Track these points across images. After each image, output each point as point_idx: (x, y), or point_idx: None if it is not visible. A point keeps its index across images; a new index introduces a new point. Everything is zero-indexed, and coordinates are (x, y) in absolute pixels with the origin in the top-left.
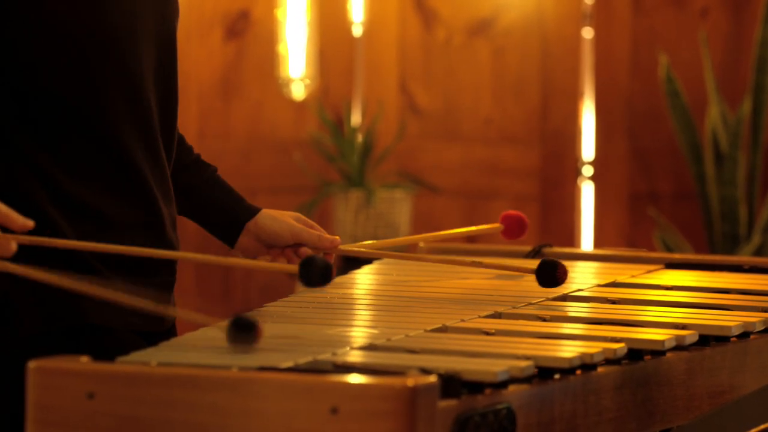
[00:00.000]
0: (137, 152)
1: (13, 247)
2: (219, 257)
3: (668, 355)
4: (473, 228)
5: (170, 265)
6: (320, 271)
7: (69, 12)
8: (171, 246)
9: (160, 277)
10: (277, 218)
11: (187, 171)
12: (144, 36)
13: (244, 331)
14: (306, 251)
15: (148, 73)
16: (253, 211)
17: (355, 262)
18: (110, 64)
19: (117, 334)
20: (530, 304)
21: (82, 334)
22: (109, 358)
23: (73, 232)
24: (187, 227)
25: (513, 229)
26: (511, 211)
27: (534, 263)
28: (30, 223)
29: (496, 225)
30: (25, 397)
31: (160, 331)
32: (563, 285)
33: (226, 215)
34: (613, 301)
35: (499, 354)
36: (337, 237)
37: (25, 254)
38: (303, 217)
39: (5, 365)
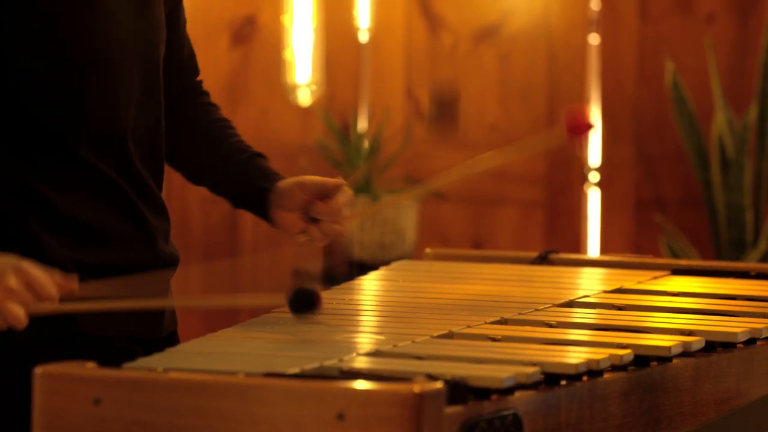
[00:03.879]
0: (115, 174)
1: (55, 294)
2: (201, 299)
3: (675, 361)
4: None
5: (162, 275)
6: (306, 300)
7: (52, 37)
8: (165, 258)
9: (153, 286)
10: (289, 179)
11: (224, 160)
12: (128, 62)
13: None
14: (316, 209)
15: (131, 98)
16: (274, 181)
17: (362, 268)
18: (92, 89)
19: (110, 342)
20: (537, 310)
21: (74, 342)
22: (109, 364)
23: (58, 244)
24: (191, 232)
25: (576, 127)
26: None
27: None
28: (74, 284)
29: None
30: (19, 405)
31: (158, 337)
32: None
33: (253, 194)
34: (620, 308)
35: (505, 360)
36: (341, 179)
37: None
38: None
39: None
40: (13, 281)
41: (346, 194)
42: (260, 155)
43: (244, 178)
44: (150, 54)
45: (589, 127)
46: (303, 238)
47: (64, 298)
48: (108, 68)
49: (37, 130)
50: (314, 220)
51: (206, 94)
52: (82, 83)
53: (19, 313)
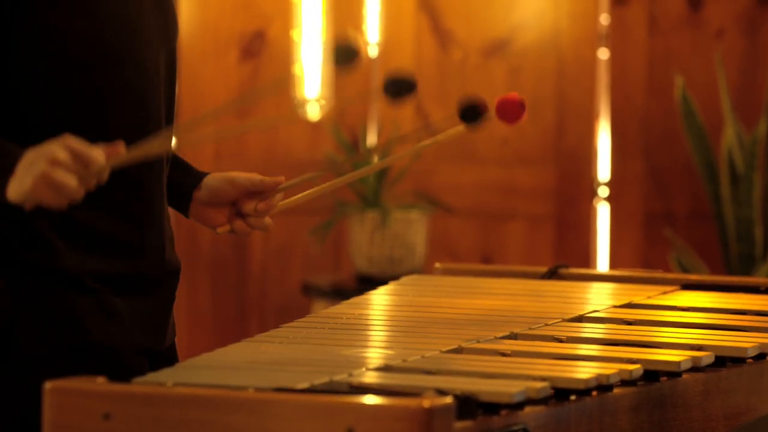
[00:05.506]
0: (146, 173)
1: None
2: None
3: (684, 376)
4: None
5: (169, 283)
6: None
7: (74, 31)
8: (172, 266)
9: (158, 295)
10: (217, 175)
11: None
12: (149, 54)
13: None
14: (248, 206)
15: (155, 91)
16: (199, 177)
17: (371, 282)
18: (116, 84)
19: (119, 353)
20: (546, 325)
21: (84, 353)
22: (111, 376)
23: (71, 254)
24: (199, 244)
25: (508, 112)
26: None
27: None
28: (118, 147)
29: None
30: (29, 415)
31: (160, 349)
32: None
33: (178, 189)
34: (629, 323)
35: (515, 375)
36: (282, 177)
37: (21, 272)
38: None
39: (10, 384)
40: (60, 153)
41: (280, 192)
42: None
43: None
44: (167, 47)
45: (518, 109)
46: (223, 231)
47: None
48: (135, 63)
49: (59, 133)
50: (241, 215)
51: None
52: (104, 76)
53: (71, 182)
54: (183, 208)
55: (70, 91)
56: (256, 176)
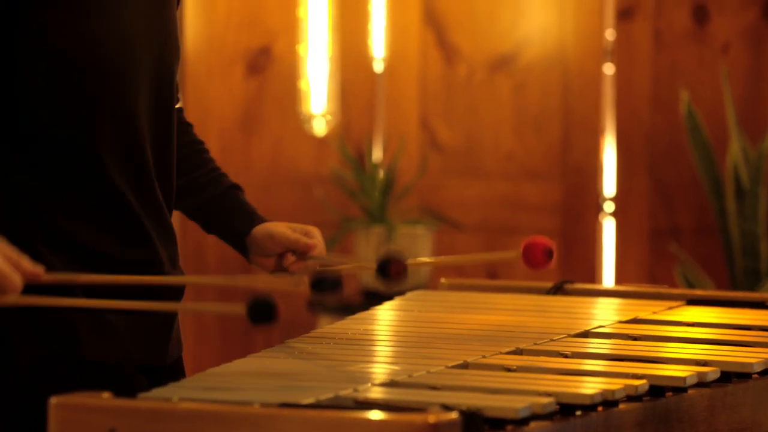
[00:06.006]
0: (129, 192)
1: (19, 285)
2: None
3: (690, 391)
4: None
5: (169, 299)
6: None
7: (66, 46)
8: (171, 283)
9: (159, 314)
10: (262, 228)
11: (201, 190)
12: (140, 74)
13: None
14: (286, 261)
15: (143, 111)
16: (250, 225)
17: (377, 297)
18: (105, 101)
19: (112, 368)
20: (552, 340)
21: (79, 368)
22: (104, 390)
23: (62, 267)
24: (207, 266)
25: (535, 258)
26: (536, 239)
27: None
28: (40, 270)
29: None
30: (19, 425)
31: (161, 364)
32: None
33: (230, 235)
34: (635, 338)
35: (520, 390)
36: (315, 243)
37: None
38: (301, 226)
39: (3, 398)
40: None
41: (318, 252)
42: (236, 187)
43: (221, 216)
44: (163, 69)
45: (547, 257)
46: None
47: (29, 287)
48: (119, 79)
49: (48, 146)
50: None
51: (181, 109)
52: (96, 95)
53: None
54: (239, 249)
55: (59, 109)
56: (292, 235)
